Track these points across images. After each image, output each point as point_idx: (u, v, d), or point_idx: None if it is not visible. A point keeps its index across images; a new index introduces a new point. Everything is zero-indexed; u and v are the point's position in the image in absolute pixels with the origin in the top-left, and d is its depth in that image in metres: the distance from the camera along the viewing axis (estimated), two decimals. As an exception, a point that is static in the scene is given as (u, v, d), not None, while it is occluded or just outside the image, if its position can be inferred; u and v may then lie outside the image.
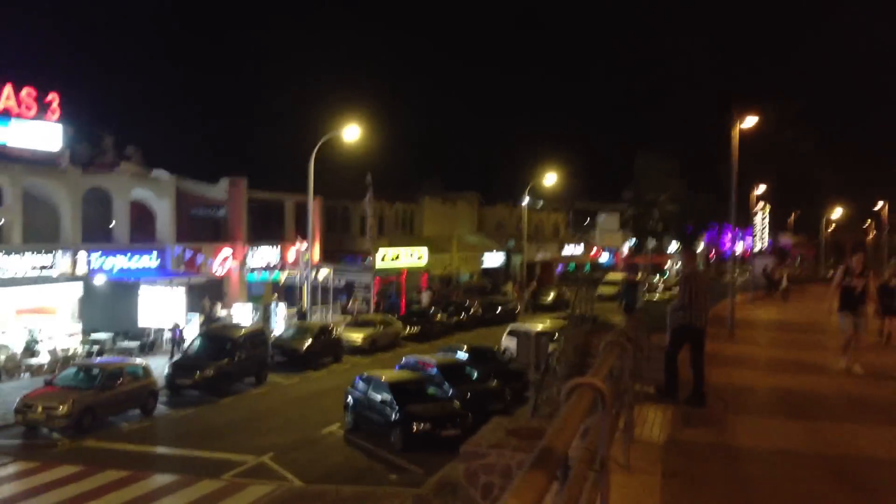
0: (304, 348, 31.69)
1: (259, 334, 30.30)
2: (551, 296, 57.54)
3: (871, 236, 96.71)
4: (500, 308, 49.49)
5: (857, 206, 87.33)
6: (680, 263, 12.22)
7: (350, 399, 22.87)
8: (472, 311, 47.22)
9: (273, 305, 38.41)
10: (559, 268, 76.42)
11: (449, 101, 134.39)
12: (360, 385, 22.96)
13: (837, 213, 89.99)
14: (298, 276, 41.13)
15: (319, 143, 38.49)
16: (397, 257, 53.03)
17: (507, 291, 57.87)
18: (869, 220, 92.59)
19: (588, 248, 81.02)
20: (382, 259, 51.19)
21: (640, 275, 52.12)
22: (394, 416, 20.97)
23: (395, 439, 20.67)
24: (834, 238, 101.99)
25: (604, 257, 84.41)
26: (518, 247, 65.05)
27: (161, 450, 20.84)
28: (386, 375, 23.20)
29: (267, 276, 42.89)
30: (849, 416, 10.94)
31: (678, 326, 11.32)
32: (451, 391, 23.64)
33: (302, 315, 38.21)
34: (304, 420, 23.63)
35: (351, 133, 38.87)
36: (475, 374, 25.65)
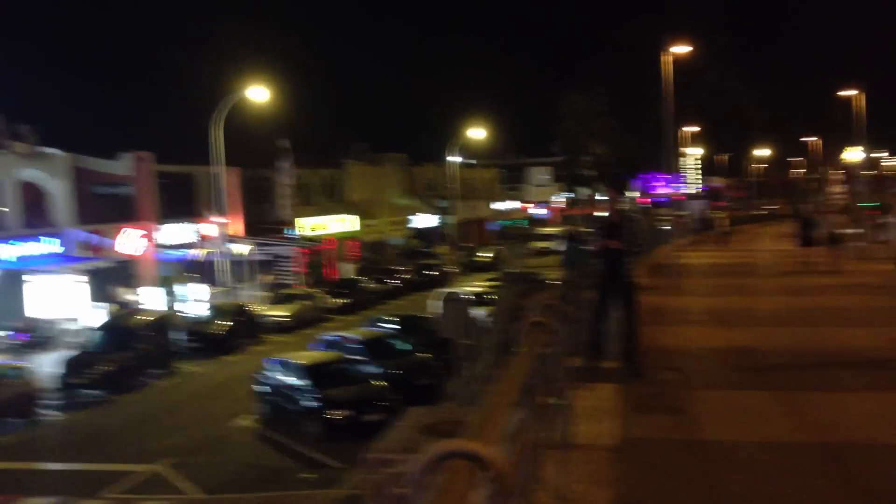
0: (220, 331, 29.10)
1: (167, 320, 27.58)
2: (488, 255, 55.76)
3: (801, 174, 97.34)
4: (434, 271, 47.41)
5: (786, 145, 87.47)
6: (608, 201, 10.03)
7: (262, 386, 20.51)
8: (405, 276, 45.02)
9: (187, 286, 35.56)
10: (494, 225, 74.72)
11: (371, 60, 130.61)
12: (273, 369, 20.60)
13: (766, 153, 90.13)
14: (216, 254, 38.29)
15: (224, 108, 35.54)
16: (324, 226, 50.51)
17: (442, 253, 55.85)
18: (801, 158, 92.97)
19: (523, 204, 79.43)
20: (309, 229, 48.62)
21: (571, 228, 50.74)
22: (310, 403, 18.70)
23: (313, 429, 18.43)
24: (762, 178, 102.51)
25: (540, 211, 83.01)
26: (450, 207, 62.96)
27: (38, 465, 18.13)
28: (301, 357, 20.88)
29: (180, 255, 39.88)
30: (825, 378, 9.05)
31: (600, 279, 9.45)
32: (376, 368, 21.46)
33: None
34: (214, 413, 21.19)
35: (258, 94, 36.01)
36: (405, 347, 23.51)
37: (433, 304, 30.68)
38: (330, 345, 23.62)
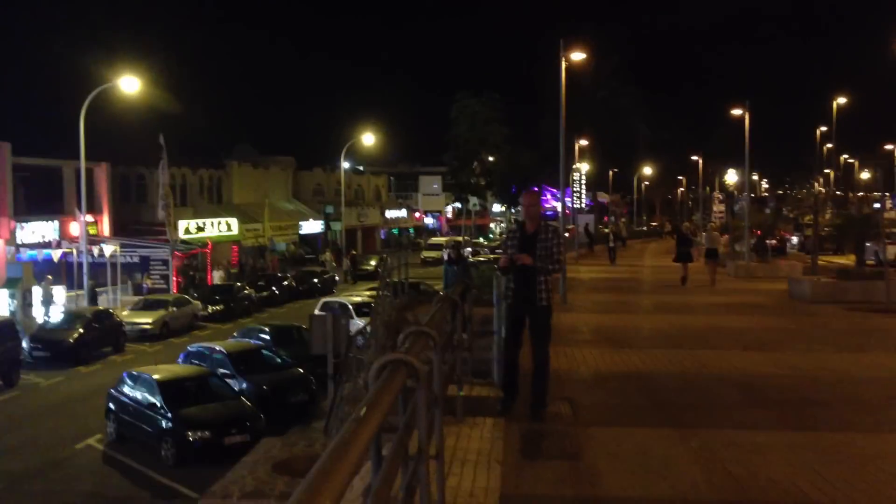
0: (73, 339, 26.45)
1: (8, 326, 24.78)
2: (373, 263, 54.30)
3: (685, 192, 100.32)
4: (317, 279, 45.53)
5: (672, 163, 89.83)
6: (519, 209, 8.01)
7: (113, 404, 18.36)
8: (285, 283, 42.97)
9: (40, 288, 32.47)
10: (382, 233, 73.32)
11: (260, 61, 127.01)
12: (127, 385, 18.49)
13: (651, 170, 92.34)
14: (77, 254, 35.27)
15: (91, 96, 32.87)
16: (202, 228, 47.87)
17: (326, 260, 53.98)
18: (682, 176, 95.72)
19: (411, 212, 78.39)
20: (185, 231, 45.92)
21: (460, 238, 49.90)
22: (164, 423, 16.76)
23: (166, 453, 16.49)
24: (647, 195, 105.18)
25: (429, 221, 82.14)
26: (337, 213, 61.18)
27: None
28: (157, 371, 18.84)
29: (36, 255, 36.59)
30: (732, 413, 8.11)
31: (510, 301, 8.05)
32: (244, 384, 19.64)
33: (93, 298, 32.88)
34: (56, 433, 18.85)
35: (129, 85, 33.38)
36: (277, 360, 21.75)
37: (318, 314, 29.06)
38: (193, 357, 21.62)
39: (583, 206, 72.37)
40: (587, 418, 7.94)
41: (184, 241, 44.40)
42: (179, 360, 22.25)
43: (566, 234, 44.47)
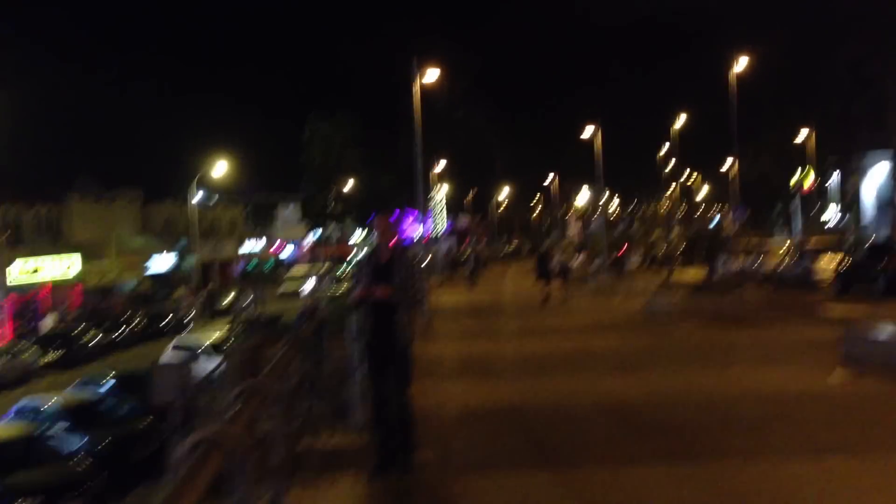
0: None
1: None
2: (230, 298, 52.13)
3: (541, 212, 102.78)
4: (169, 318, 43.05)
5: (528, 184, 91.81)
6: (374, 237, 6.90)
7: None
8: (133, 324, 40.32)
9: None
10: (240, 266, 70.72)
11: (103, 88, 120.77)
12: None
13: (509, 191, 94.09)
14: None
15: None
16: (37, 270, 44.36)
17: (179, 297, 51.30)
18: (538, 196, 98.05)
19: (270, 243, 76.21)
20: (20, 273, 42.41)
21: (319, 266, 48.53)
22: (-14, 493, 14.83)
23: (-11, 527, 14.58)
24: (505, 217, 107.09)
25: (289, 251, 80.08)
26: (191, 247, 58.42)
27: None
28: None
29: None
30: (613, 448, 7.62)
31: (365, 340, 7.21)
32: (83, 440, 17.78)
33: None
34: None
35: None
36: (120, 411, 19.91)
37: (169, 355, 27.17)
38: (24, 412, 19.48)
39: (443, 229, 72.56)
40: (459, 464, 7.24)
41: (17, 285, 40.99)
42: (8, 416, 20.03)
43: (428, 258, 44.17)
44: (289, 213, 77.45)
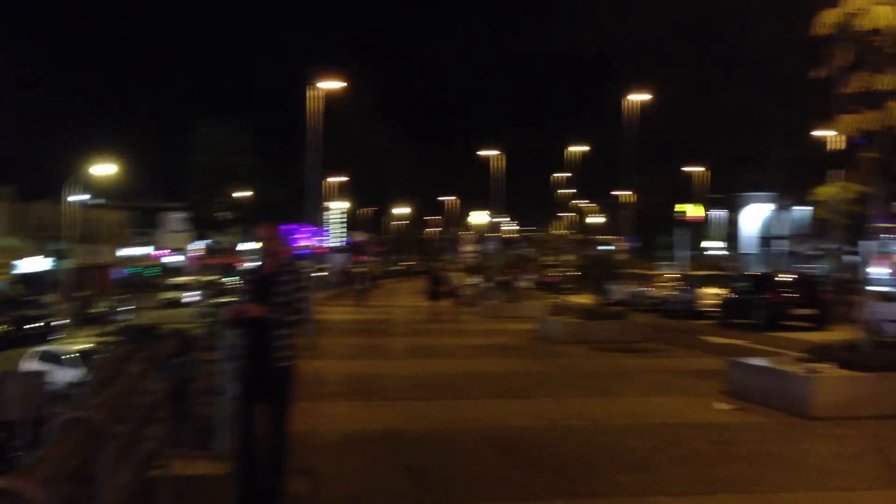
0: None
1: None
2: (105, 305, 49.63)
3: (436, 231, 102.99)
4: (39, 323, 40.42)
5: (425, 203, 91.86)
6: (259, 247, 6.11)
7: None
8: (-3, 330, 37.62)
9: None
10: (120, 273, 67.64)
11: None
12: None
13: (406, 210, 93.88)
14: None
15: None
16: None
17: (51, 302, 48.39)
18: (436, 216, 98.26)
19: (155, 249, 73.35)
20: None
21: (205, 275, 46.88)
22: None
23: None
24: (400, 235, 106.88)
25: (175, 259, 77.27)
26: (67, 250, 55.34)
27: None
28: None
29: None
30: (499, 483, 7.15)
31: (241, 363, 6.47)
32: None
33: None
34: None
35: None
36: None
37: (24, 364, 25.27)
38: None
39: (338, 244, 71.54)
40: (331, 497, 6.62)
41: None
42: None
43: (320, 272, 43.19)
44: (176, 219, 74.75)
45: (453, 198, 76.77)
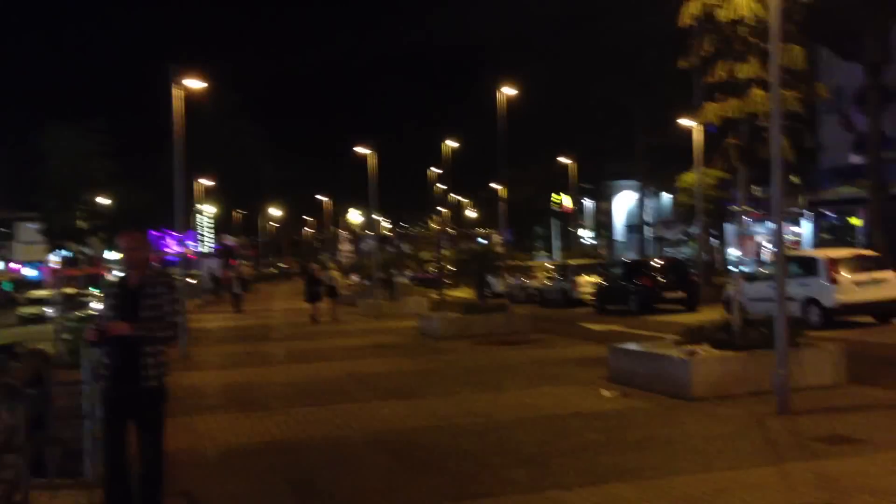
0: None
1: None
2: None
3: (312, 232, 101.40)
4: None
5: (300, 204, 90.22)
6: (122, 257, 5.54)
7: None
8: None
9: None
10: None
11: None
12: None
13: (279, 211, 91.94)
14: None
15: None
16: None
17: None
18: (310, 217, 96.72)
19: (10, 264, 68.76)
20: None
21: (65, 288, 44.18)
22: None
23: None
24: (274, 237, 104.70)
25: (31, 272, 72.66)
26: None
27: None
28: None
29: None
30: (391, 490, 6.91)
31: (105, 384, 5.92)
32: None
33: None
34: None
35: None
36: None
37: None
38: None
39: (208, 249, 69.23)
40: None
41: None
42: None
43: (191, 280, 41.47)
44: (30, 230, 70.29)
45: (328, 199, 75.72)
